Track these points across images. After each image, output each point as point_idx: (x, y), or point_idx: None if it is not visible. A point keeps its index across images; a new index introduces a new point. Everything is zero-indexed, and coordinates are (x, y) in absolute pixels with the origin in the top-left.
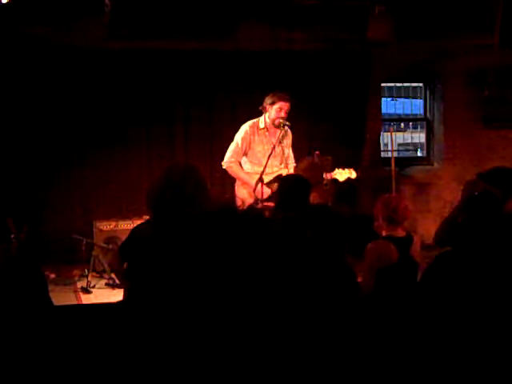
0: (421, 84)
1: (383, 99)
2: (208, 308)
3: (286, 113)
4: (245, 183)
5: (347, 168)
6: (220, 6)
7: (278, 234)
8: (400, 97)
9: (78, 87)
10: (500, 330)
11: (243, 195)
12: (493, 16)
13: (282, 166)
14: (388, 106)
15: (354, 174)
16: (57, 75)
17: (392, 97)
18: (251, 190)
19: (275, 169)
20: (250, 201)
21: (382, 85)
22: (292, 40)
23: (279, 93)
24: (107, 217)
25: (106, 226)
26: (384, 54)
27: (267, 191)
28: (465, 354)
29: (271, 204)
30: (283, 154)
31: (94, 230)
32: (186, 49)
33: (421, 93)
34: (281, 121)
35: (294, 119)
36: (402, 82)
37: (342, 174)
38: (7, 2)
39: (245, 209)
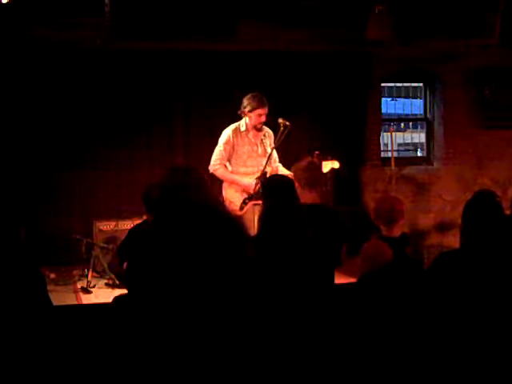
0: (421, 84)
1: (383, 99)
2: (209, 308)
3: (265, 117)
4: (233, 183)
5: (330, 160)
6: (219, 6)
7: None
8: (400, 97)
9: (77, 88)
10: (500, 329)
11: (231, 195)
12: (493, 16)
13: (267, 165)
14: (388, 106)
15: (336, 165)
16: (57, 76)
17: (392, 97)
18: (239, 190)
19: (260, 167)
20: (238, 200)
21: (382, 85)
22: (292, 40)
23: (257, 98)
24: (107, 217)
25: (106, 226)
26: (384, 53)
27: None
28: (464, 353)
29: (259, 202)
30: (267, 153)
31: (94, 230)
32: (185, 49)
33: (421, 93)
34: (281, 121)
35: (294, 119)
36: (402, 82)
37: (326, 166)
38: (7, 2)
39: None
